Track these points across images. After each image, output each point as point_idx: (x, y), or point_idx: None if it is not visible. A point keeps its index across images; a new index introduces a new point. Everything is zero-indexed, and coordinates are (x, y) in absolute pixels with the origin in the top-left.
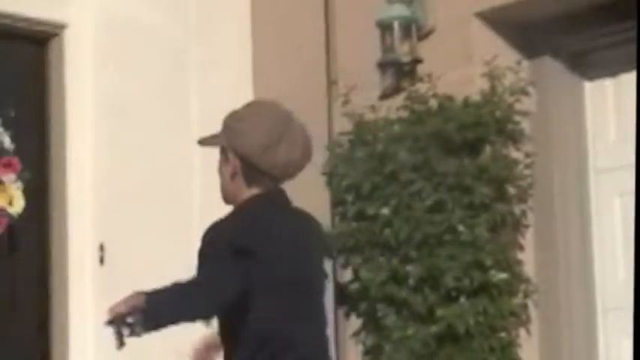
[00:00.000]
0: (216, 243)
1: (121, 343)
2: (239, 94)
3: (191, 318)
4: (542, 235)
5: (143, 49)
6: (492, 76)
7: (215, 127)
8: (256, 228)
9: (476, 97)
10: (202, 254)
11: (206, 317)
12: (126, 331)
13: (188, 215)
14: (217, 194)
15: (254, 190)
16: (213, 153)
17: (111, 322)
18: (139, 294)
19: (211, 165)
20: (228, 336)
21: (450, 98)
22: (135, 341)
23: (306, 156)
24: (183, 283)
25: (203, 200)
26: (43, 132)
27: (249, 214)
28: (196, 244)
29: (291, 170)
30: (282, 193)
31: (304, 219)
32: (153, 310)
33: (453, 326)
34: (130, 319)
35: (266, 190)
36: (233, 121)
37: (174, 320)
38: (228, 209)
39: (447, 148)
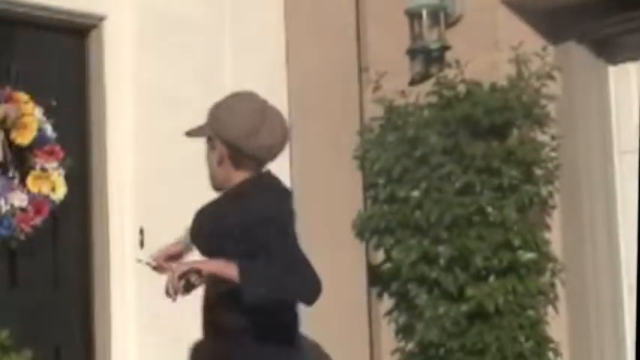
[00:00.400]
0: (270, 224)
1: (185, 291)
2: (273, 80)
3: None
4: (569, 215)
5: (179, 37)
6: (519, 62)
7: None
8: (286, 204)
9: (503, 82)
10: (265, 235)
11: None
12: (197, 282)
13: None
14: None
15: (243, 173)
16: None
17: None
18: (229, 264)
19: None
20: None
21: (477, 83)
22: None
23: (285, 138)
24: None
25: None
26: (84, 120)
27: (272, 193)
28: None
29: (274, 152)
30: (270, 174)
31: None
32: (250, 287)
33: (483, 305)
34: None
35: (256, 172)
36: (217, 111)
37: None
38: None
39: (476, 132)
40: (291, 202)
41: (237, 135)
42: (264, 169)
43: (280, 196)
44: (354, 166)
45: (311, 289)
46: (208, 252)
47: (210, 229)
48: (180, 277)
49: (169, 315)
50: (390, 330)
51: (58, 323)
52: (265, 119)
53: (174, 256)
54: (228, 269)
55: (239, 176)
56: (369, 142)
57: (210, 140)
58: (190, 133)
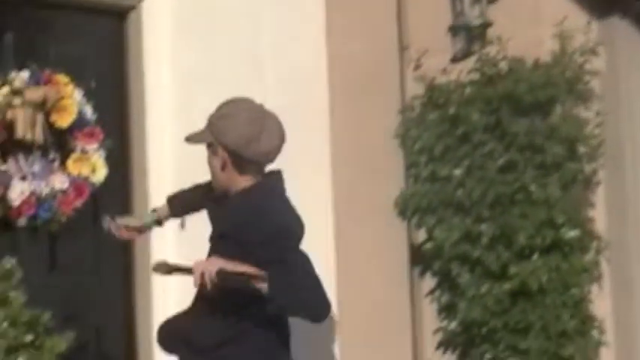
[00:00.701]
0: (288, 238)
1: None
2: (314, 60)
3: (307, 314)
4: (613, 192)
5: (218, 18)
6: (562, 38)
7: (288, 92)
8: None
9: (546, 59)
10: (283, 247)
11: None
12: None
13: None
14: (294, 155)
15: (247, 177)
16: (287, 117)
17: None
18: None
19: (287, 128)
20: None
21: (520, 60)
22: None
23: (282, 141)
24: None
25: (279, 163)
26: (124, 102)
27: (285, 204)
28: None
29: (272, 156)
30: (279, 176)
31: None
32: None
33: (526, 283)
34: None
35: (260, 175)
36: (216, 119)
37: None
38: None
39: (518, 109)
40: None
41: (238, 142)
42: (270, 171)
43: (291, 205)
44: (396, 145)
45: (324, 308)
46: (228, 255)
47: (231, 234)
48: (219, 274)
49: None
50: (432, 309)
51: (99, 305)
52: (264, 126)
53: (134, 230)
54: (259, 279)
55: (244, 180)
56: (410, 120)
57: (210, 146)
58: (190, 139)
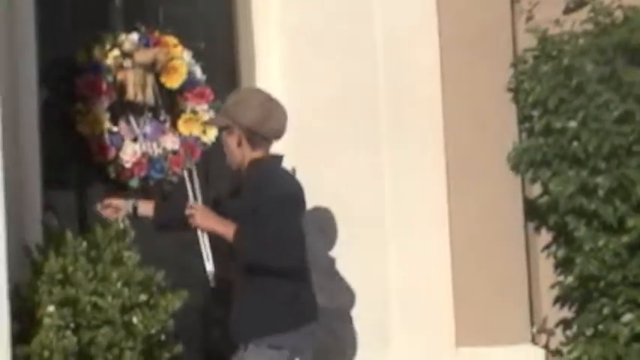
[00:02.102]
0: (277, 202)
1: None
2: (423, 14)
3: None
4: None
5: None
6: None
7: (399, 50)
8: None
9: None
10: (273, 211)
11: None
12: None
13: (376, 138)
14: (405, 110)
15: (258, 152)
16: (398, 74)
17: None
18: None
19: (396, 88)
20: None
21: (635, 8)
22: None
23: (286, 123)
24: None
25: (390, 123)
26: (233, 62)
27: (284, 176)
28: (385, 165)
29: (281, 134)
30: (280, 159)
31: None
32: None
33: None
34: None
35: (268, 151)
36: (232, 105)
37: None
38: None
39: (634, 59)
40: (299, 187)
41: (255, 121)
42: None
43: (293, 182)
44: (509, 98)
45: (285, 264)
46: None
47: (238, 205)
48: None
49: None
50: (548, 264)
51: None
52: (273, 108)
53: (114, 207)
54: (227, 228)
55: (256, 154)
56: (523, 73)
57: (226, 128)
58: (210, 123)
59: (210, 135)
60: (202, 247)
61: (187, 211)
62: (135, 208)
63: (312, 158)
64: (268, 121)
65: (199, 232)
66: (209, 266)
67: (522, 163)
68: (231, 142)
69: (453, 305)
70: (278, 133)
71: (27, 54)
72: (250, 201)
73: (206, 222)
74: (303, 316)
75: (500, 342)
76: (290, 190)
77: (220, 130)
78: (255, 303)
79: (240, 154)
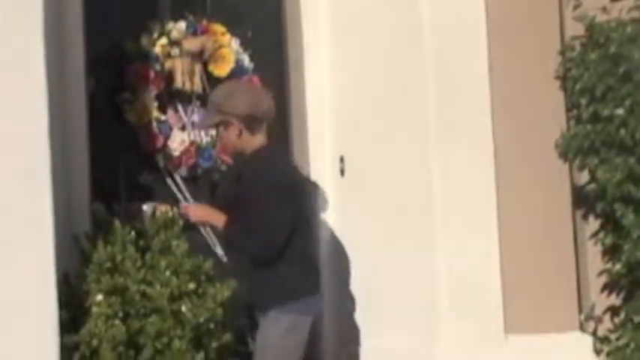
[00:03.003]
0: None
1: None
2: (470, 4)
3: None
4: None
5: None
6: None
7: (446, 39)
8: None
9: None
10: (265, 198)
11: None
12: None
13: (424, 124)
14: (453, 97)
15: (258, 137)
16: (446, 63)
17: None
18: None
19: (444, 76)
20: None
21: None
22: None
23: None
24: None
25: (438, 112)
26: (281, 50)
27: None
28: (434, 153)
29: (273, 114)
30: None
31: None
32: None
33: None
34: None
35: (265, 135)
36: (223, 99)
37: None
38: None
39: None
40: (296, 174)
41: (250, 107)
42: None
43: (289, 170)
44: (556, 86)
45: (262, 255)
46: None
47: (239, 192)
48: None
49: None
50: (596, 251)
51: None
52: (258, 92)
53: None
54: (219, 221)
55: (256, 140)
56: (570, 61)
57: (221, 124)
58: (204, 125)
59: None
60: (207, 236)
61: (181, 212)
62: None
63: (360, 147)
64: (260, 103)
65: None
66: (218, 250)
67: (570, 150)
68: (231, 134)
69: (501, 293)
70: (271, 113)
71: (75, 43)
72: (247, 189)
73: (200, 217)
74: (317, 284)
75: (548, 329)
76: (283, 180)
77: (216, 127)
78: (271, 273)
79: (241, 143)
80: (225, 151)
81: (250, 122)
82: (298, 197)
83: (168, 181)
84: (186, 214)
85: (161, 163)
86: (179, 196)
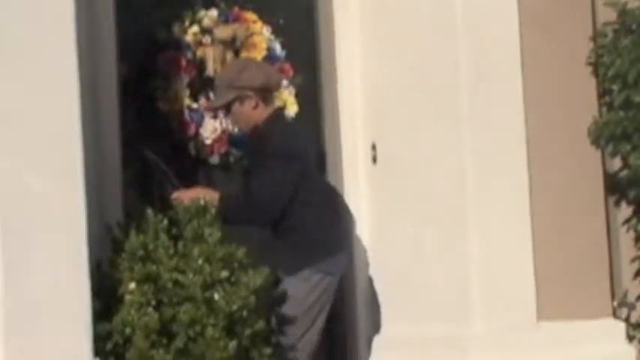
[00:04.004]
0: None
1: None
2: None
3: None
4: None
5: None
6: None
7: (478, 26)
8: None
9: None
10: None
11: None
12: None
13: (456, 111)
14: (485, 83)
15: (269, 107)
16: (478, 50)
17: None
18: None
19: (476, 63)
20: None
21: None
22: None
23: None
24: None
25: (470, 98)
26: (312, 37)
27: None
28: (466, 139)
29: (281, 81)
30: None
31: None
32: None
33: None
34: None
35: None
36: (236, 74)
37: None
38: None
39: None
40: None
41: (264, 79)
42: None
43: (293, 137)
44: (588, 72)
45: (260, 219)
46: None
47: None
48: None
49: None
50: (629, 238)
51: None
52: (265, 64)
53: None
54: (212, 194)
55: (268, 109)
56: (602, 47)
57: (235, 101)
58: (216, 105)
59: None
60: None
61: (174, 201)
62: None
63: (392, 134)
64: (272, 74)
65: None
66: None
67: (602, 137)
68: (247, 108)
69: (534, 280)
70: (280, 81)
71: (106, 31)
72: (254, 158)
73: (194, 196)
74: (340, 243)
75: (580, 316)
76: (287, 145)
77: (226, 107)
78: (291, 237)
79: (258, 116)
80: (244, 127)
81: (265, 93)
82: (304, 160)
83: (160, 171)
84: (178, 198)
85: (192, 150)
86: (167, 182)
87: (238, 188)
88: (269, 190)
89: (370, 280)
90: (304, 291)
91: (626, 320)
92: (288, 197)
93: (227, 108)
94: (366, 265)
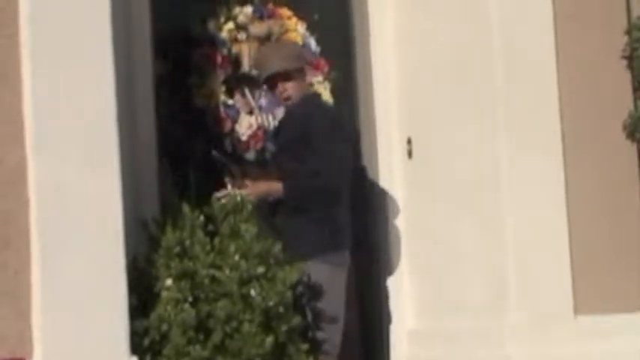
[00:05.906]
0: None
1: None
2: None
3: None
4: None
5: None
6: None
7: (513, 17)
8: None
9: None
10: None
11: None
12: None
13: (491, 103)
14: (520, 77)
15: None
16: (513, 42)
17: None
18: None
19: (511, 54)
20: None
21: None
22: None
23: None
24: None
25: (505, 89)
26: (347, 33)
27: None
28: (502, 133)
29: None
30: None
31: None
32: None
33: None
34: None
35: None
36: (296, 50)
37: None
38: None
39: None
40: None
41: (304, 55)
42: None
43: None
44: (623, 66)
45: (333, 185)
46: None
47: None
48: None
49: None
50: None
51: None
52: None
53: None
54: (276, 187)
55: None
56: (637, 40)
57: (291, 79)
58: (287, 70)
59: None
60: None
61: (246, 197)
62: None
63: (427, 129)
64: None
65: None
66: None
67: (637, 130)
68: (304, 82)
69: (570, 273)
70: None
71: (142, 27)
72: (302, 132)
73: (260, 192)
74: (348, 239)
75: (617, 310)
76: (327, 125)
77: (282, 82)
78: (311, 226)
79: (305, 89)
80: (295, 98)
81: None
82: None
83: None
84: (247, 193)
85: (229, 146)
86: (229, 178)
87: (291, 175)
88: (331, 164)
89: (405, 273)
90: (336, 281)
91: None
92: (351, 164)
93: (286, 77)
94: (401, 257)
